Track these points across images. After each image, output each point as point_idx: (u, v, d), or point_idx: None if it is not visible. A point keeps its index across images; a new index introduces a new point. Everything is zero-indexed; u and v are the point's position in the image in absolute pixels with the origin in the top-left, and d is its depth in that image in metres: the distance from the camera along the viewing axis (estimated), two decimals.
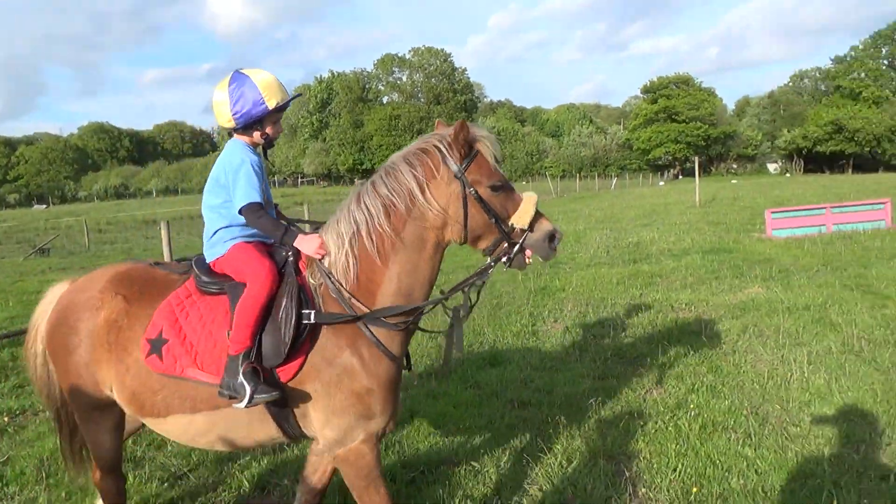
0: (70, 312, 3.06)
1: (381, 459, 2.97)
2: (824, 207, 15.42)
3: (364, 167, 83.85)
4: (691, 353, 6.23)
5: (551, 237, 2.89)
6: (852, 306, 7.71)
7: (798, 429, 4.48)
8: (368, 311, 2.81)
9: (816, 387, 5.18)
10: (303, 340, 2.76)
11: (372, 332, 2.82)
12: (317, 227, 3.09)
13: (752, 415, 4.75)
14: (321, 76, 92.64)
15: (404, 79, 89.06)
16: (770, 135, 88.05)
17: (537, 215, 2.87)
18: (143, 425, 3.34)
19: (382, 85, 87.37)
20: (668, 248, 13.61)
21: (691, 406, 4.96)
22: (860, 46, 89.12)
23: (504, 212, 2.85)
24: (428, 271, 2.90)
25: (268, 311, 2.77)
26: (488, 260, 2.95)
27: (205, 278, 2.98)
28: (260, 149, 3.14)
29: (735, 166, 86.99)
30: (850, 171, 75.93)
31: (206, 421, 2.89)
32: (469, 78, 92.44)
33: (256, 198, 2.90)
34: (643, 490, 3.83)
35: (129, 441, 4.24)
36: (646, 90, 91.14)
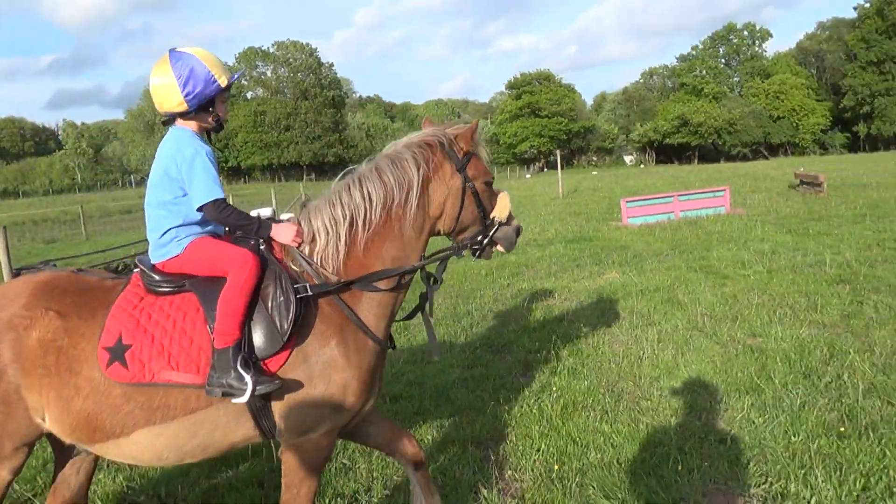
0: None
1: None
2: (672, 196, 16.62)
3: (229, 164, 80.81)
4: (554, 337, 6.52)
5: (518, 231, 3.17)
6: (697, 286, 8.37)
7: (649, 402, 4.82)
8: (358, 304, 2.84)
9: (665, 362, 5.59)
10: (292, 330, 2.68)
11: (360, 319, 2.82)
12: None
13: (608, 392, 5.05)
14: None
15: (269, 73, 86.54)
16: (625, 128, 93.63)
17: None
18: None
19: (246, 80, 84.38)
20: (533, 239, 14.13)
21: (554, 388, 5.19)
22: (700, 46, 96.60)
23: (490, 206, 3.08)
24: (416, 259, 2.99)
25: (254, 300, 2.68)
26: (460, 246, 3.13)
27: (157, 278, 2.78)
28: (204, 134, 2.96)
29: (595, 159, 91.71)
30: (696, 161, 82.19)
31: (179, 429, 2.65)
32: (336, 73, 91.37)
33: (220, 193, 2.78)
34: (509, 472, 3.97)
35: None
36: (510, 86, 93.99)
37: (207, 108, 2.86)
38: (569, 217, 18.23)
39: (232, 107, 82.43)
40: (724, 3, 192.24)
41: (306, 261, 2.84)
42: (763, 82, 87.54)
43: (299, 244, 2.85)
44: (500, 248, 3.17)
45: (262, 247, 2.83)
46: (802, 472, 3.63)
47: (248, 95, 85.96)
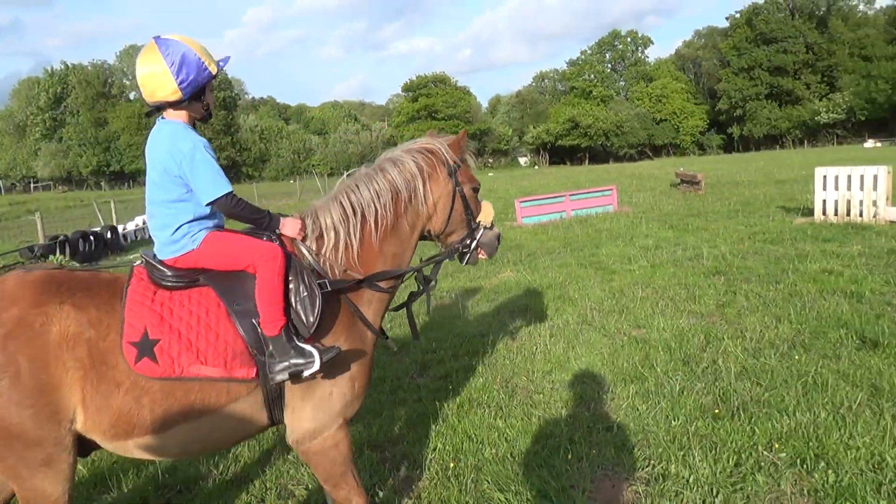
0: (1, 341, 2.41)
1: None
2: (564, 196, 17.18)
3: (112, 169, 76.57)
4: (452, 337, 6.58)
5: (498, 237, 3.43)
6: (587, 282, 8.69)
7: (541, 396, 4.95)
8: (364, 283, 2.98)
9: (556, 356, 5.76)
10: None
11: (362, 313, 2.97)
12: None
13: (502, 388, 5.15)
14: (52, 68, 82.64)
15: None
16: (519, 131, 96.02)
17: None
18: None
19: (128, 79, 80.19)
20: None
21: (450, 387, 5.24)
22: (588, 51, 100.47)
23: (476, 211, 3.33)
24: (410, 256, 3.23)
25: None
26: (450, 250, 3.37)
27: (169, 273, 2.75)
28: (191, 125, 2.87)
29: (491, 160, 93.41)
30: (586, 162, 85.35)
31: (207, 422, 2.66)
32: (227, 74, 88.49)
33: (228, 186, 2.76)
34: (405, 472, 3.98)
35: None
36: (407, 88, 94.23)
37: (199, 96, 2.81)
38: None
39: (112, 108, 78.34)
40: (609, 11, 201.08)
41: (312, 254, 2.94)
42: (647, 86, 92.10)
43: (303, 238, 2.96)
44: (482, 254, 3.38)
45: (276, 239, 2.90)
46: (682, 453, 3.84)
47: (131, 96, 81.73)
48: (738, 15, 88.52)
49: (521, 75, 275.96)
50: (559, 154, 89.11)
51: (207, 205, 2.76)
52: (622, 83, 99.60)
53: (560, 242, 12.48)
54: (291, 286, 2.76)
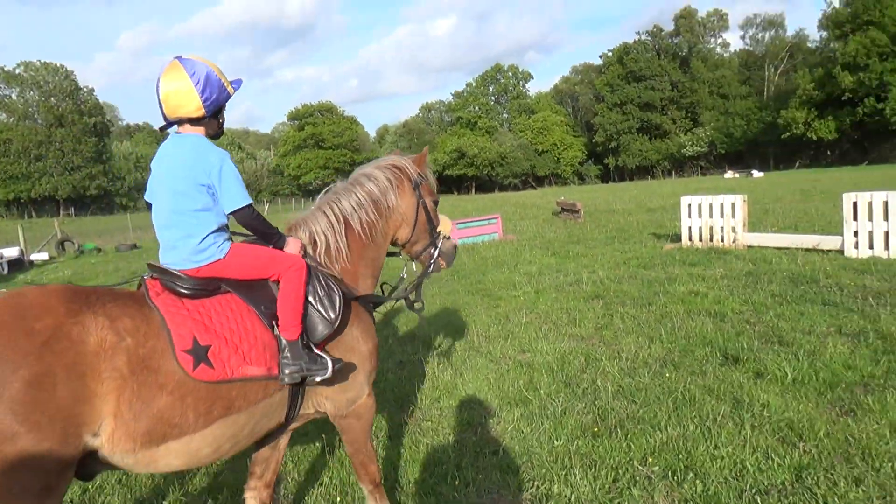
0: (26, 353, 2.27)
1: None
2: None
3: None
4: None
5: (455, 247, 3.91)
6: (473, 309, 8.85)
7: (429, 423, 4.97)
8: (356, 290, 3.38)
9: (444, 383, 5.81)
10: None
11: (367, 303, 3.40)
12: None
13: (390, 417, 5.13)
14: None
15: (14, 96, 77.03)
16: None
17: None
18: None
19: None
20: None
21: None
22: (473, 83, 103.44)
23: (436, 222, 3.74)
24: (383, 260, 3.64)
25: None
26: (424, 266, 3.85)
27: (192, 282, 2.85)
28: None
29: None
30: (473, 191, 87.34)
31: (242, 419, 2.81)
32: (98, 98, 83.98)
33: (250, 198, 2.97)
34: None
35: None
36: (292, 117, 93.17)
37: (217, 114, 3.01)
38: None
39: None
40: (492, 46, 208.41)
41: (315, 262, 3.23)
42: (528, 119, 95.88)
43: (303, 252, 3.24)
44: (442, 263, 3.82)
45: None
46: (564, 472, 3.96)
47: None
48: (610, 53, 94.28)
49: (408, 105, 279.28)
50: (446, 183, 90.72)
51: (230, 213, 2.94)
52: (505, 115, 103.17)
53: (448, 270, 12.63)
54: (310, 287, 3.04)
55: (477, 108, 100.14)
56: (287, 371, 2.84)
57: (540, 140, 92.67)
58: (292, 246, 3.15)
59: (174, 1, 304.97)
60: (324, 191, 3.55)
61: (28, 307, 2.39)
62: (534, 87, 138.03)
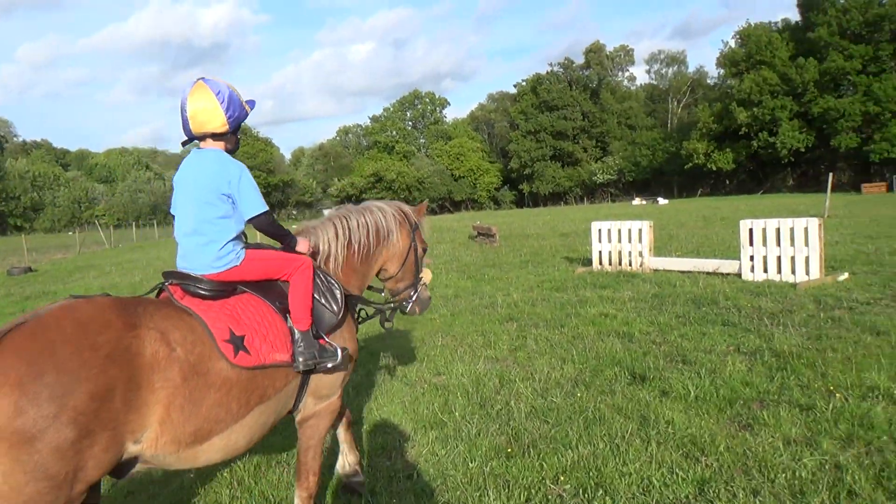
0: (91, 365, 2.39)
1: None
2: None
3: None
4: None
5: (429, 299, 4.48)
6: (389, 332, 8.73)
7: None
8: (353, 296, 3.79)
9: (359, 408, 5.73)
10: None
11: (353, 308, 3.82)
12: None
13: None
14: None
15: None
16: (324, 183, 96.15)
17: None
18: None
19: None
20: None
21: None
22: (391, 108, 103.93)
23: (420, 269, 4.30)
24: (369, 280, 4.11)
25: None
26: (406, 298, 4.34)
27: (212, 285, 3.10)
28: None
29: (295, 212, 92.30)
30: None
31: (270, 405, 3.11)
32: None
33: (266, 206, 3.26)
34: None
35: None
36: None
37: (236, 131, 3.32)
38: None
39: None
40: (409, 72, 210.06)
41: (317, 265, 3.63)
42: (445, 144, 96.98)
43: (313, 253, 3.66)
44: (416, 308, 4.31)
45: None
46: (478, 493, 3.96)
47: None
48: (524, 83, 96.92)
49: (324, 128, 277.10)
50: None
51: (249, 220, 3.23)
52: (423, 140, 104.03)
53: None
54: (319, 283, 3.45)
55: (395, 132, 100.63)
56: (301, 359, 3.18)
57: (457, 165, 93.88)
58: (302, 245, 3.55)
59: (80, 14, 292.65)
60: (335, 208, 4.12)
61: (89, 321, 2.50)
62: (451, 114, 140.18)
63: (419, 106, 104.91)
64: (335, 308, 3.44)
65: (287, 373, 3.17)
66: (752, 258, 11.02)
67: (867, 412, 4.69)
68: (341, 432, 4.14)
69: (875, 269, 10.87)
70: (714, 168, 72.89)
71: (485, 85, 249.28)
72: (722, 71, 77.25)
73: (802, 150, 64.26)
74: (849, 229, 17.99)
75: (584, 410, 5.20)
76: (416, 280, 4.25)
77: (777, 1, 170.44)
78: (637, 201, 64.14)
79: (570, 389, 5.79)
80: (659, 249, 14.80)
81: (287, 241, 3.50)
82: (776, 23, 71.78)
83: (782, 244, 10.62)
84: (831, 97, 60.53)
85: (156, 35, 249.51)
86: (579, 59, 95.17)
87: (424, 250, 4.31)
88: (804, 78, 62.01)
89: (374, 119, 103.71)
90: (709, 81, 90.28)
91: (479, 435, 4.89)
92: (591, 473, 4.12)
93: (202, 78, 3.18)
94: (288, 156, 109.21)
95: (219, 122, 3.16)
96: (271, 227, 3.35)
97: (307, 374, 3.32)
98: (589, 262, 13.99)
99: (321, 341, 3.33)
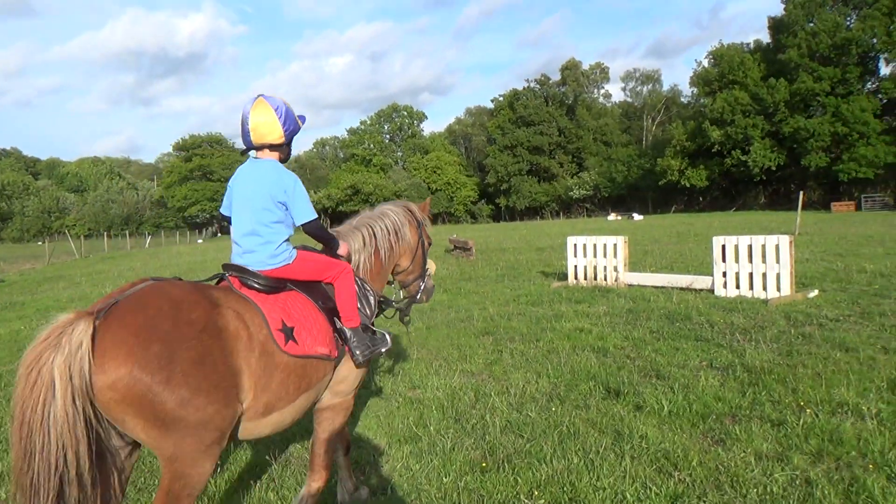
0: (189, 337, 2.78)
1: None
2: None
3: None
4: None
5: (433, 287, 4.80)
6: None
7: None
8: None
9: None
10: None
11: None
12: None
13: (275, 461, 4.93)
14: None
15: None
16: None
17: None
18: None
19: None
20: None
21: (218, 461, 4.89)
22: (368, 121, 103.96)
23: (426, 262, 4.68)
24: (388, 276, 4.47)
25: None
26: (412, 293, 4.69)
27: (267, 280, 3.40)
28: None
29: None
30: None
31: (312, 392, 3.40)
32: None
33: (315, 213, 3.58)
34: None
35: None
36: (178, 147, 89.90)
37: (290, 142, 3.63)
38: None
39: None
40: (387, 85, 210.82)
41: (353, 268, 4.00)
42: (422, 158, 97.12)
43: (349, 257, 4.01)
44: (424, 297, 4.65)
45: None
46: None
47: None
48: (501, 98, 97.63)
49: (301, 140, 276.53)
50: (341, 220, 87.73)
51: (300, 225, 3.56)
52: (400, 153, 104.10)
53: None
54: (357, 285, 3.78)
55: (372, 145, 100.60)
56: (358, 352, 3.58)
57: (434, 179, 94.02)
58: (343, 248, 3.91)
59: (54, 21, 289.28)
60: (355, 217, 4.42)
61: (181, 300, 2.87)
62: (428, 128, 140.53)
63: (397, 119, 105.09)
64: (368, 312, 3.82)
65: (325, 366, 3.46)
66: (724, 274, 11.16)
67: (836, 428, 4.76)
68: (340, 457, 4.20)
69: (844, 287, 11.07)
70: (688, 185, 73.81)
71: (462, 99, 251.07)
72: (695, 90, 78.42)
73: (774, 168, 65.34)
74: (819, 247, 18.31)
75: (559, 425, 5.21)
76: (423, 272, 4.63)
77: (748, 23, 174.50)
78: (612, 216, 64.71)
79: (545, 404, 5.79)
80: (634, 265, 14.93)
81: (331, 245, 3.86)
82: (748, 44, 73.12)
83: (754, 261, 10.77)
84: (801, 117, 61.72)
85: (131, 44, 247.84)
86: (556, 76, 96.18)
87: (430, 244, 4.70)
88: (775, 98, 63.21)
89: (351, 132, 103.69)
90: (682, 100, 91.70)
91: (453, 449, 4.87)
92: (565, 488, 4.11)
93: (261, 94, 3.48)
94: None
95: (277, 135, 3.48)
96: (319, 232, 3.70)
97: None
98: (564, 276, 14.07)
99: (370, 333, 3.73)
